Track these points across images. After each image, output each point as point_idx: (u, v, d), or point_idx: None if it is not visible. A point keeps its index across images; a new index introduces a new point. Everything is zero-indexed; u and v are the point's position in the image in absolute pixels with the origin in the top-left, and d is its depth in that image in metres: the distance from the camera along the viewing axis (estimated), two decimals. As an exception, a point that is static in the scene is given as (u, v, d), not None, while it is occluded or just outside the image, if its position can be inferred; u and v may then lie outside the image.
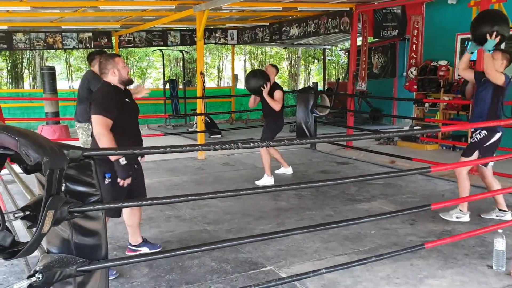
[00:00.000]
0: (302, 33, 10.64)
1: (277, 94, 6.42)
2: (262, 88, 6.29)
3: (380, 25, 9.53)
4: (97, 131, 3.45)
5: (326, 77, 17.81)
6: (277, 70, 6.76)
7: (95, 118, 3.47)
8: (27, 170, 2.06)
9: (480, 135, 4.46)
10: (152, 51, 15.58)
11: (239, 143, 2.52)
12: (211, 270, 3.65)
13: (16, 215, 2.00)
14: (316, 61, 22.68)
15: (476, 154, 4.52)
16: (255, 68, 22.07)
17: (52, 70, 10.15)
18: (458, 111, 9.07)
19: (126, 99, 3.71)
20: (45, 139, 1.96)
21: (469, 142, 4.61)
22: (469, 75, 4.88)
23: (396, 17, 9.46)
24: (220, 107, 14.25)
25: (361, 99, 13.24)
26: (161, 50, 13.55)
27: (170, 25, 11.73)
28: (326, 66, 17.85)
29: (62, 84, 17.96)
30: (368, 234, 4.45)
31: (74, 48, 11.57)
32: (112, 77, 3.60)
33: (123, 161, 3.44)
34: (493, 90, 4.49)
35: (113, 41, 12.12)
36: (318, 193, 5.88)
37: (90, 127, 5.15)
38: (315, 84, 16.07)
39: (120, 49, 12.29)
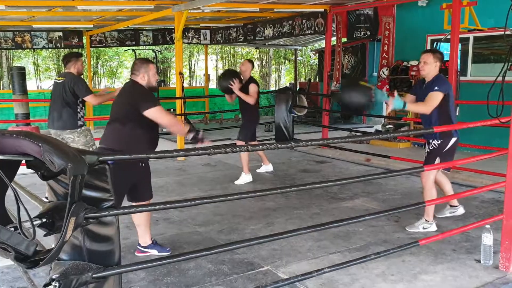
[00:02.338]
0: (276, 34, 10.71)
1: (252, 88, 6.46)
2: (230, 85, 6.31)
3: (353, 26, 9.70)
4: (169, 120, 3.65)
5: (297, 77, 17.99)
6: (253, 65, 6.85)
7: (156, 110, 3.57)
8: (44, 177, 2.04)
9: (438, 141, 4.40)
10: (124, 50, 15.36)
11: (249, 146, 2.55)
12: (209, 272, 3.66)
13: (34, 222, 1.97)
14: (286, 61, 22.85)
15: (437, 161, 4.43)
16: (227, 67, 22.06)
17: (22, 71, 9.85)
18: (430, 110, 9.32)
19: None
20: (65, 145, 1.95)
21: (427, 151, 4.52)
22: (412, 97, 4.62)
23: (368, 19, 9.65)
24: (194, 107, 14.18)
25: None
26: (133, 50, 13.37)
27: (143, 25, 11.60)
28: (297, 66, 18.02)
29: (30, 85, 17.47)
30: (357, 231, 4.55)
31: (44, 47, 11.28)
32: (141, 81, 3.75)
33: (189, 136, 3.68)
34: None
35: (84, 41, 11.89)
36: (302, 192, 5.95)
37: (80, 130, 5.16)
38: (292, 84, 16.20)
39: (91, 48, 12.06)
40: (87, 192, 2.19)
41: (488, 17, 7.90)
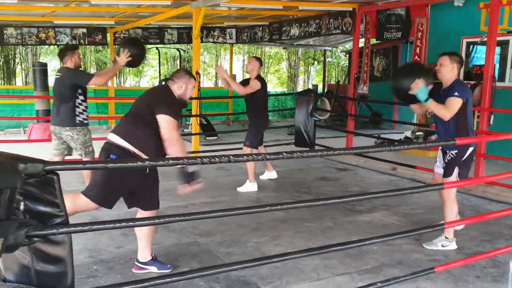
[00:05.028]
0: (302, 33, 10.32)
1: (252, 81, 6.11)
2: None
3: (383, 27, 9.21)
4: (172, 135, 3.33)
5: (326, 79, 17.51)
6: (261, 62, 6.50)
7: (168, 119, 3.33)
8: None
9: (455, 151, 4.09)
10: (149, 48, 15.32)
11: (266, 155, 2.26)
12: (199, 290, 3.33)
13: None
14: (315, 62, 22.34)
15: (456, 171, 4.14)
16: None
17: (44, 67, 9.83)
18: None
19: None
20: (-6, 152, 1.65)
21: (445, 161, 4.18)
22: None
23: (400, 19, 9.13)
24: (217, 108, 13.93)
25: (361, 103, 12.93)
26: (157, 48, 13.22)
27: (167, 23, 11.42)
28: (326, 68, 17.53)
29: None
30: (371, 250, 4.13)
31: (67, 44, 11.19)
32: (177, 90, 3.56)
33: (192, 168, 3.32)
34: None
35: (108, 38, 11.79)
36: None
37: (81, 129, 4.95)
38: (315, 86, 15.74)
39: (115, 45, 11.95)
40: (34, 206, 1.92)
41: (529, 18, 7.28)
